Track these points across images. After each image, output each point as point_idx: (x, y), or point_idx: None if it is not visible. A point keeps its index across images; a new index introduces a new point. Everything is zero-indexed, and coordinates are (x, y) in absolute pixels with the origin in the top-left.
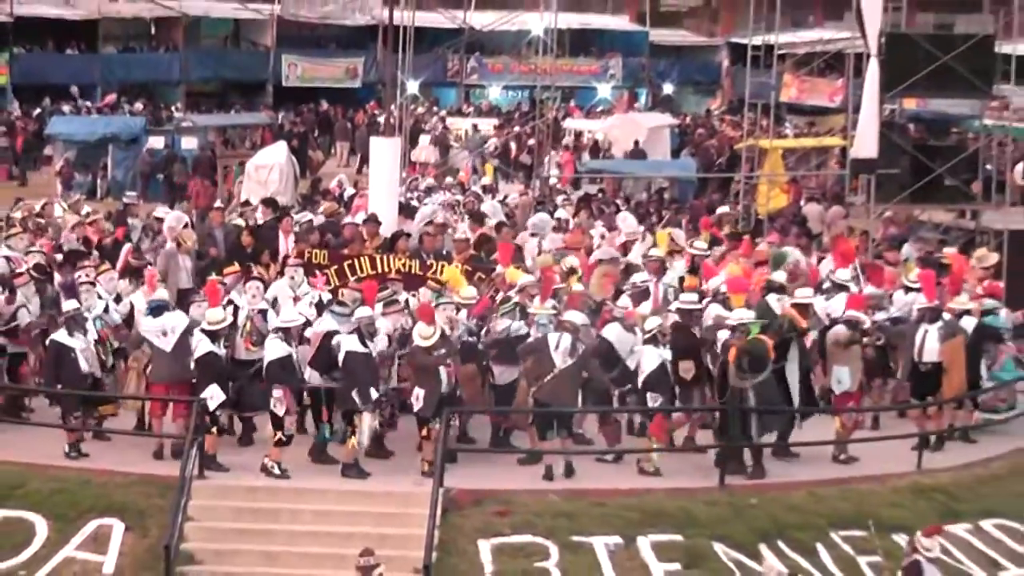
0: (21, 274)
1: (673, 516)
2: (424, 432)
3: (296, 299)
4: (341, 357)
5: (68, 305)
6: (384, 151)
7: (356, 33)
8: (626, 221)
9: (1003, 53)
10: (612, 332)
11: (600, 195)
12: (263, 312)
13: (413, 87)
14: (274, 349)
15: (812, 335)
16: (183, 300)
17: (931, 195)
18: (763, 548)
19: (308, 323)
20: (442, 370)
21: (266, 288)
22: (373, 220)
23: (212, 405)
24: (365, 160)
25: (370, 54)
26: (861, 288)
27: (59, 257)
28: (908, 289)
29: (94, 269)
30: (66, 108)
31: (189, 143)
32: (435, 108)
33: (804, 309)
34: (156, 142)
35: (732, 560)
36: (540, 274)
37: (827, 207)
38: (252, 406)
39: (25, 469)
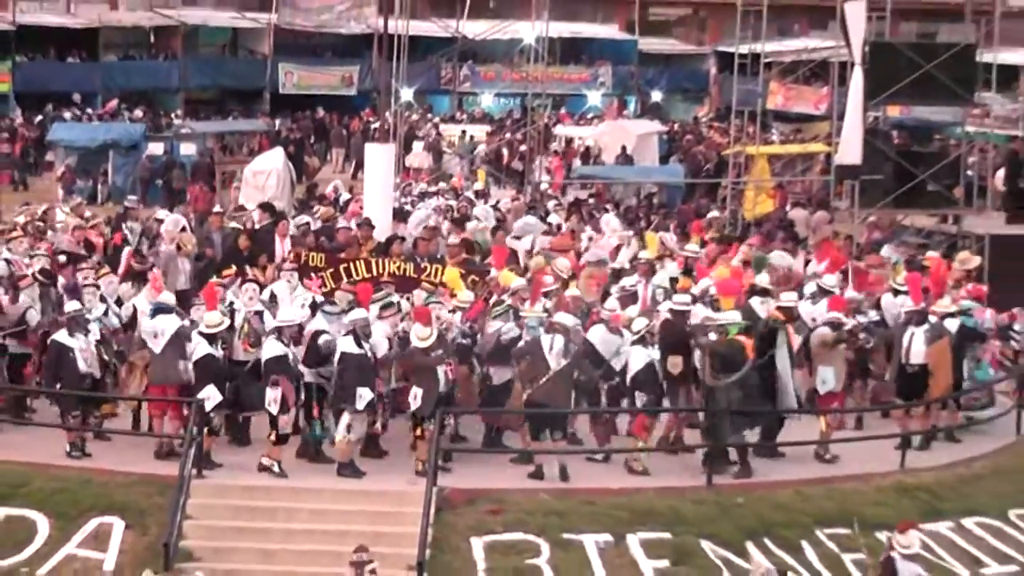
0: (25, 276)
1: (662, 514)
2: (419, 432)
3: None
4: (336, 357)
5: (70, 306)
6: (379, 157)
7: (351, 42)
8: (609, 224)
9: (984, 62)
10: (596, 334)
11: (592, 200)
12: (259, 314)
13: (407, 94)
14: (271, 348)
15: (797, 339)
16: (181, 302)
17: (914, 200)
18: (750, 546)
19: (301, 327)
20: (440, 370)
21: (262, 290)
22: (367, 224)
23: (209, 406)
24: (360, 166)
25: (365, 62)
26: (843, 291)
27: (62, 259)
28: (896, 292)
29: (93, 272)
30: (67, 115)
31: (188, 149)
32: (429, 115)
33: (788, 312)
34: (156, 148)
35: (719, 557)
36: (532, 276)
37: (812, 212)
38: (251, 406)
39: (27, 468)
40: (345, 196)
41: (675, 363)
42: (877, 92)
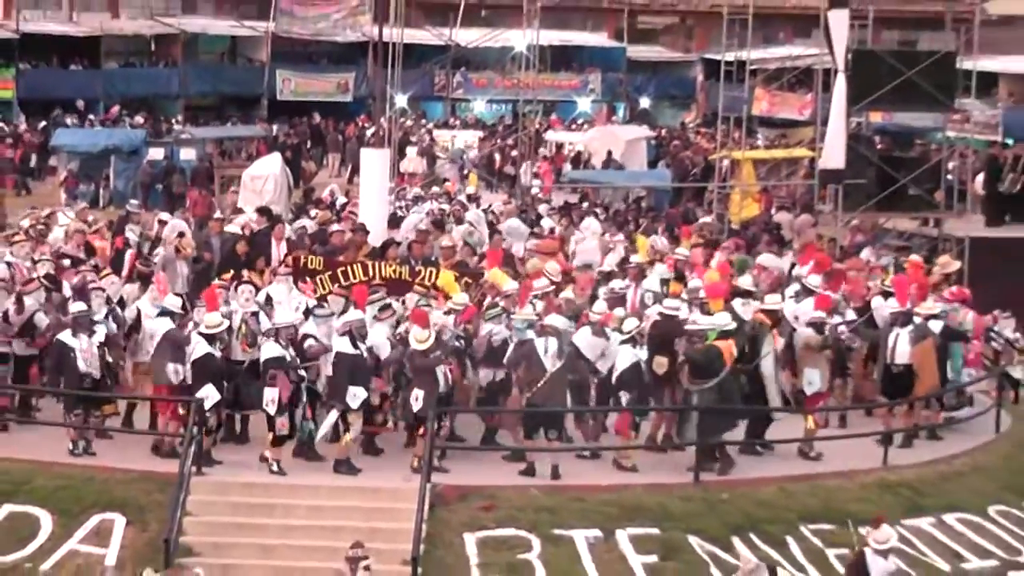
0: (31, 281)
1: (650, 511)
2: (421, 431)
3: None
4: (332, 358)
5: (75, 307)
6: (374, 162)
7: (347, 49)
8: (590, 227)
9: (964, 69)
10: (581, 337)
11: (585, 205)
12: (255, 315)
13: (401, 101)
14: (269, 349)
15: (780, 340)
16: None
17: (896, 204)
18: (736, 541)
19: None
20: (439, 371)
21: (257, 292)
22: (361, 229)
23: (207, 405)
24: (356, 171)
25: (361, 69)
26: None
27: (66, 263)
28: (887, 295)
29: (93, 274)
30: (69, 121)
31: (188, 154)
32: (423, 121)
33: (772, 314)
34: (156, 153)
35: (706, 552)
36: (523, 279)
37: (797, 215)
38: (250, 405)
39: (31, 466)
40: (341, 200)
41: (660, 363)
42: (860, 98)
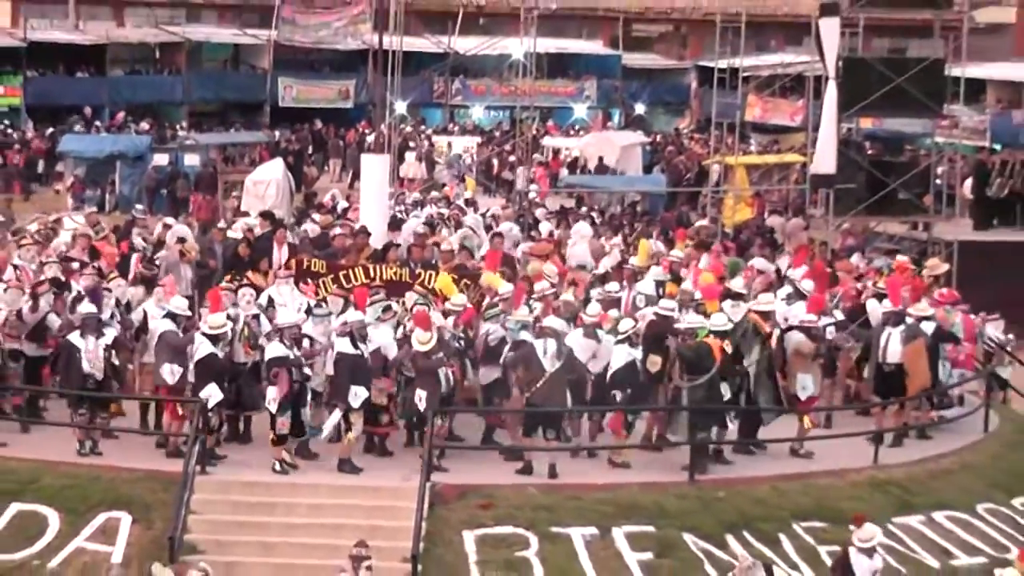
0: (42, 283)
1: (645, 509)
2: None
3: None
4: (333, 358)
5: (85, 308)
6: (374, 167)
7: (348, 57)
8: (580, 231)
9: (952, 76)
10: (573, 338)
11: (583, 209)
12: (256, 317)
13: (401, 107)
14: (273, 349)
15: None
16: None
17: (886, 208)
18: (730, 538)
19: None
20: (441, 372)
21: (259, 295)
22: (363, 232)
23: (210, 404)
24: (357, 176)
25: (361, 76)
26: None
27: (75, 265)
28: (880, 296)
29: (99, 277)
30: (76, 127)
31: (192, 160)
32: (422, 127)
33: (765, 315)
34: (161, 159)
35: (701, 549)
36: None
37: (788, 219)
38: (252, 406)
39: (38, 465)
40: (343, 204)
41: (654, 362)
42: (850, 105)
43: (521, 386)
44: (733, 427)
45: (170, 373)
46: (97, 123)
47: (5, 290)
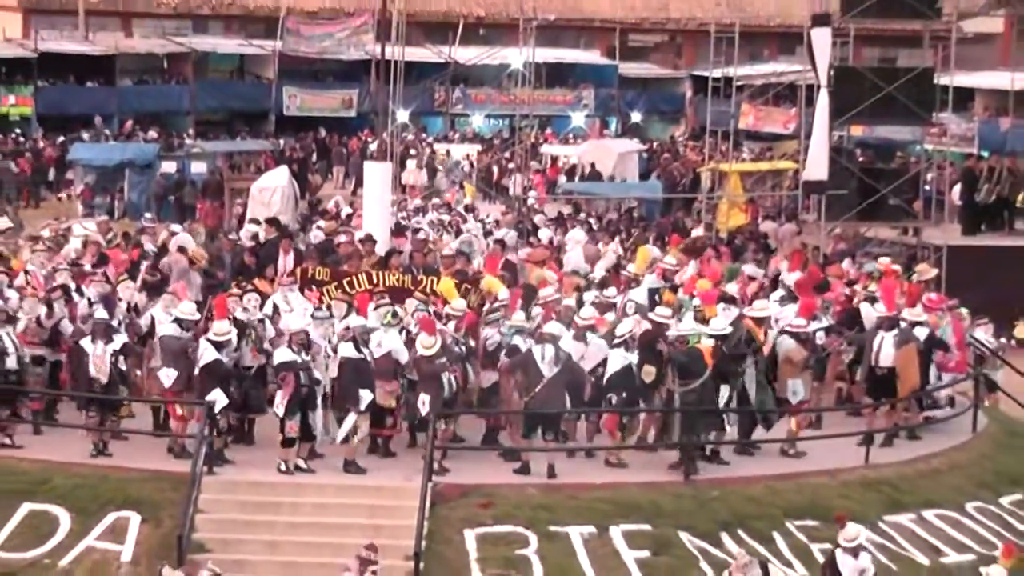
0: (56, 289)
1: (642, 508)
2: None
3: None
4: (337, 362)
5: (97, 314)
6: (376, 174)
7: (351, 67)
8: (574, 237)
9: (941, 84)
10: (564, 342)
11: (580, 215)
12: (261, 322)
13: (403, 116)
14: (281, 354)
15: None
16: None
17: (876, 214)
18: (724, 537)
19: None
20: (444, 376)
21: (264, 301)
22: (369, 239)
23: (216, 408)
24: (359, 183)
25: (364, 86)
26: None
27: (87, 267)
28: (871, 300)
29: (103, 283)
30: (86, 136)
31: (199, 168)
32: (423, 135)
33: (760, 321)
34: (168, 167)
35: (696, 547)
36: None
37: (781, 225)
38: (258, 408)
39: (50, 466)
40: (346, 211)
41: (648, 372)
42: (842, 112)
43: (520, 390)
44: (731, 429)
45: (166, 376)
46: (106, 132)
47: (22, 298)
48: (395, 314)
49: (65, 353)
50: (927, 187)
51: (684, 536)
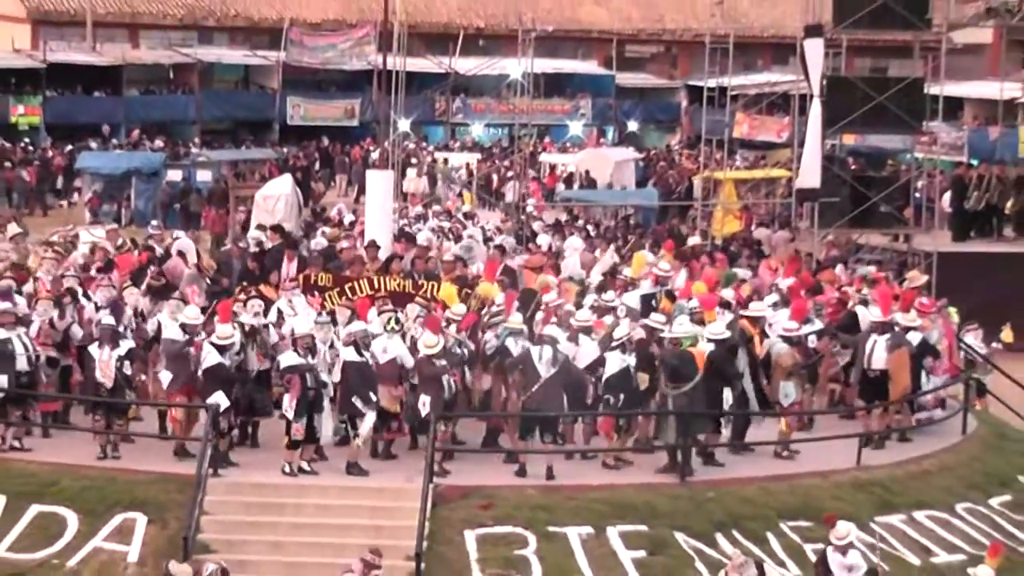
0: (65, 294)
1: (639, 509)
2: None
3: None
4: (339, 367)
5: (104, 320)
6: (378, 182)
7: (353, 77)
8: (572, 244)
9: (931, 94)
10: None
11: (578, 221)
12: (265, 327)
13: (404, 125)
14: (288, 358)
15: (764, 347)
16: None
17: (868, 221)
18: (719, 537)
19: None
20: (444, 378)
21: (267, 305)
22: (372, 245)
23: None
24: (362, 190)
25: (366, 96)
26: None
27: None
28: (865, 303)
29: (109, 289)
30: (93, 145)
31: (204, 176)
32: (424, 144)
33: (755, 321)
34: (174, 175)
35: (692, 548)
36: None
37: (775, 231)
38: (262, 411)
39: (58, 469)
40: (349, 218)
41: (642, 379)
42: (834, 122)
43: (517, 390)
44: (725, 431)
45: (163, 378)
46: (113, 141)
47: (37, 302)
48: (397, 320)
49: (74, 357)
50: (918, 195)
51: (680, 536)
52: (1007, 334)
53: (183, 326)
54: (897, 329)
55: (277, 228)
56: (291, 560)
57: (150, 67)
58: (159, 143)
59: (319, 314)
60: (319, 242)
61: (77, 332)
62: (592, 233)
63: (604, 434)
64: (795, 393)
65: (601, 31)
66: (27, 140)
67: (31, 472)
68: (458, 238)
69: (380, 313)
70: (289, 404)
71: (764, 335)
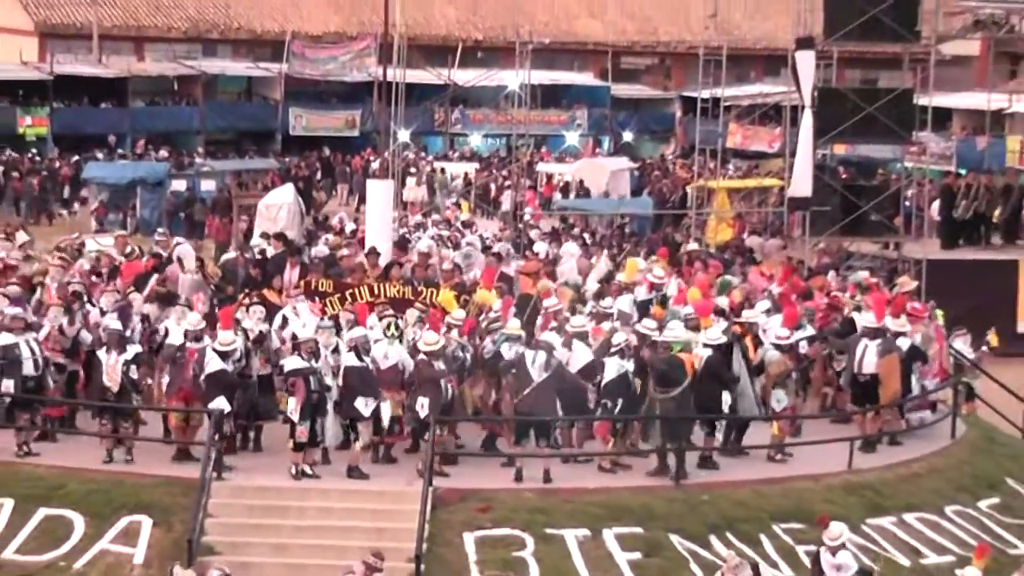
0: (74, 300)
1: (634, 511)
2: (426, 437)
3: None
4: (341, 371)
5: (111, 325)
6: (379, 192)
7: (354, 88)
8: (568, 251)
9: (920, 104)
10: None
11: (574, 229)
12: (270, 332)
13: (404, 136)
14: (292, 362)
15: (759, 352)
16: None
17: (859, 229)
18: (713, 539)
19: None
20: (442, 382)
21: (271, 311)
22: (373, 253)
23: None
24: (362, 199)
25: (366, 107)
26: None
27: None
28: (858, 308)
29: (114, 295)
30: (99, 155)
31: (208, 185)
32: (423, 154)
33: (748, 327)
34: (179, 184)
35: (686, 549)
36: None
37: (767, 239)
38: (267, 415)
39: (65, 472)
40: (350, 226)
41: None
42: (825, 132)
43: (510, 392)
44: (719, 435)
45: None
46: (119, 151)
47: (48, 307)
48: (397, 326)
49: (82, 362)
50: (907, 203)
51: (674, 538)
52: (993, 338)
53: (185, 332)
54: (888, 335)
55: (280, 236)
56: (294, 562)
57: (155, 79)
58: (164, 153)
59: (321, 319)
60: (320, 250)
61: (87, 337)
62: (588, 241)
63: (601, 438)
64: (787, 399)
65: (597, 43)
66: (35, 150)
67: (38, 476)
68: (456, 246)
69: (381, 318)
70: (295, 407)
71: (757, 341)
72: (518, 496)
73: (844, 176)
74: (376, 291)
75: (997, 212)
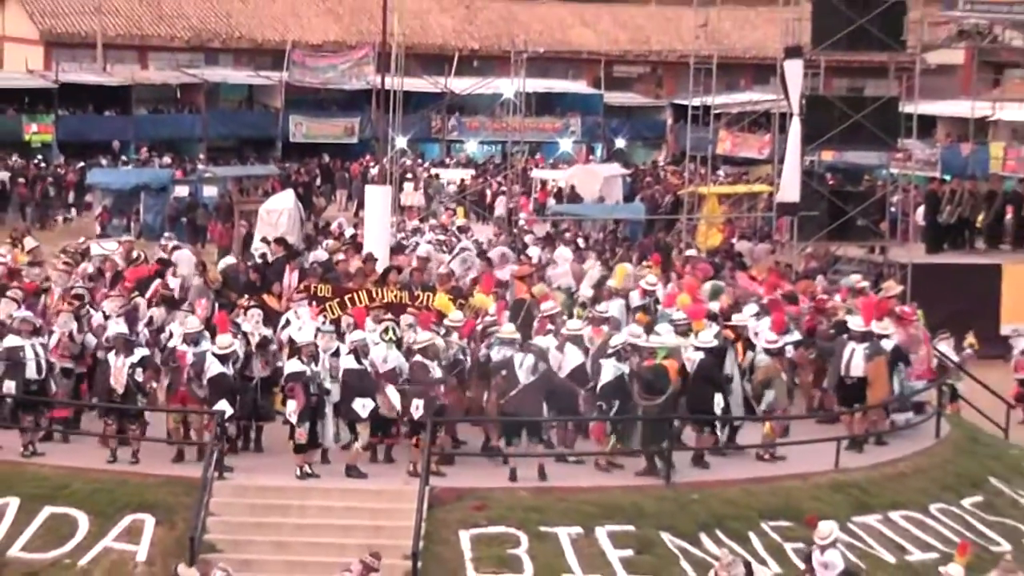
0: (82, 305)
1: (626, 510)
2: (415, 440)
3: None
4: (340, 374)
5: (118, 329)
6: (377, 197)
7: (353, 96)
8: (562, 255)
9: (906, 112)
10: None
11: (566, 234)
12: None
13: (402, 142)
14: (292, 365)
15: (750, 354)
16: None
17: (846, 234)
18: (703, 536)
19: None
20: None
21: (269, 315)
22: (371, 258)
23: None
24: (361, 205)
25: (365, 114)
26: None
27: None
28: (848, 311)
29: (119, 299)
30: (103, 161)
31: (210, 191)
32: (420, 161)
33: (737, 330)
34: (181, 190)
35: (677, 547)
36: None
37: (756, 244)
38: (268, 416)
39: (70, 472)
40: (350, 231)
41: None
42: (813, 139)
43: (498, 392)
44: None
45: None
46: (123, 158)
47: (57, 313)
48: (394, 330)
49: (88, 365)
50: (893, 209)
51: (665, 536)
52: (970, 340)
53: (183, 336)
54: (874, 338)
55: (281, 241)
56: (295, 559)
57: (158, 87)
58: (167, 160)
59: (323, 323)
60: (318, 255)
61: (91, 340)
62: (582, 245)
63: (595, 439)
64: (777, 400)
65: (590, 52)
66: (40, 157)
67: (44, 475)
68: (452, 251)
69: (379, 323)
70: (295, 410)
71: (748, 343)
72: (513, 495)
73: (831, 182)
74: (374, 296)
75: (981, 217)
